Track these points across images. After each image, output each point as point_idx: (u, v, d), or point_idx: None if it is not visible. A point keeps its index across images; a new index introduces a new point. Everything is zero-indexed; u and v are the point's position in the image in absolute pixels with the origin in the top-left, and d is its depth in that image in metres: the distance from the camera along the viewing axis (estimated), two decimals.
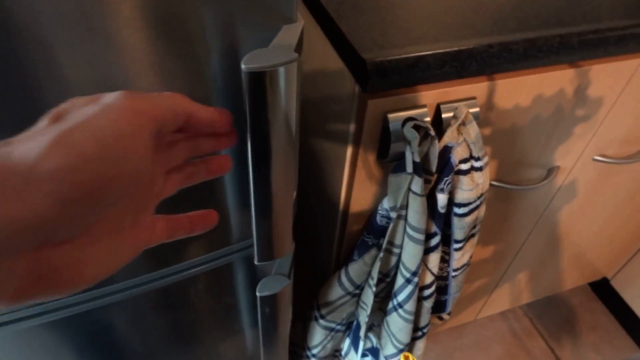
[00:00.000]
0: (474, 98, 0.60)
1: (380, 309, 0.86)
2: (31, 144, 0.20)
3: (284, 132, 0.38)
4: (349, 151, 0.62)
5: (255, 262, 0.48)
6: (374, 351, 0.91)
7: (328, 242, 0.80)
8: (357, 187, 0.66)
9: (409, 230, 0.66)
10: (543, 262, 1.11)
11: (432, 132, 0.57)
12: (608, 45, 0.61)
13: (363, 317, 0.81)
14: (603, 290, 1.43)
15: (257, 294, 0.53)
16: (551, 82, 0.63)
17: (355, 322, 0.87)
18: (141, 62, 0.36)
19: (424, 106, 0.58)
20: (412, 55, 0.53)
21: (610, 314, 1.41)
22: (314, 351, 0.91)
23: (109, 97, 0.24)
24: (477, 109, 0.59)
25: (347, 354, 0.94)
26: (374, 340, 0.89)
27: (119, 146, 0.22)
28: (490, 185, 0.76)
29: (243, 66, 0.32)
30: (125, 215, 0.25)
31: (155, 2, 0.33)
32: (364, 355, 0.91)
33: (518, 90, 0.62)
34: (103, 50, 0.34)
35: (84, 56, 0.34)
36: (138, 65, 0.36)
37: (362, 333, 0.83)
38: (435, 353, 1.30)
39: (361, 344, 0.84)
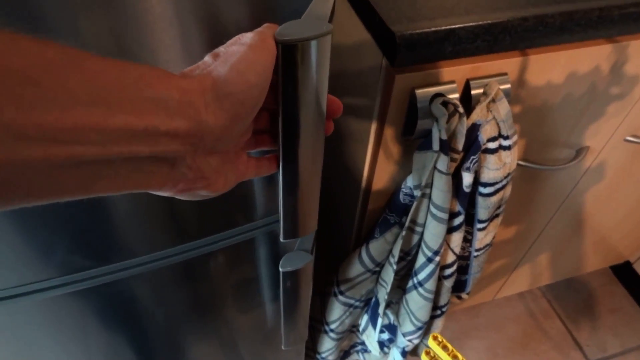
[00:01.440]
0: (505, 74, 0.58)
1: (399, 286, 0.86)
2: (219, 70, 0.26)
3: (315, 106, 0.37)
4: (374, 127, 0.61)
5: (281, 240, 0.48)
6: (392, 328, 0.91)
7: (349, 219, 0.80)
8: (380, 164, 0.65)
9: (432, 209, 0.65)
10: (565, 244, 1.09)
11: (461, 109, 0.56)
12: None
13: (382, 295, 0.81)
14: (625, 274, 1.40)
15: (280, 269, 0.53)
16: (587, 58, 0.60)
17: (373, 299, 0.87)
18: (168, 32, 0.35)
19: (452, 82, 0.57)
20: (443, 28, 0.51)
21: (631, 297, 1.39)
22: (332, 326, 0.92)
23: (248, 37, 0.29)
24: (508, 86, 0.57)
25: (364, 330, 0.94)
26: (392, 317, 0.90)
27: (265, 76, 0.28)
28: (517, 165, 0.75)
29: (277, 38, 0.31)
30: (235, 146, 0.32)
31: None
32: (381, 331, 0.91)
33: (551, 67, 0.60)
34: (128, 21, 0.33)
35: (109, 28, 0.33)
36: (167, 37, 0.35)
37: (381, 310, 0.83)
38: (451, 331, 1.31)
39: (380, 320, 0.84)
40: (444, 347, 0.31)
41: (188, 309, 0.67)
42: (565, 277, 1.30)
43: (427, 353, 0.34)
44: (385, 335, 0.93)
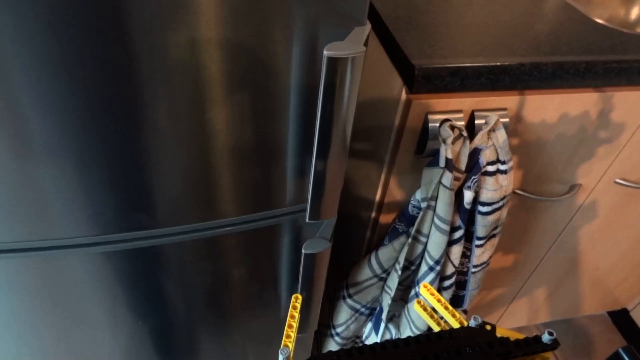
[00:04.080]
0: (504, 109, 0.69)
1: (402, 299, 0.94)
2: None
3: (347, 111, 0.49)
4: (391, 144, 0.72)
5: (307, 220, 0.59)
6: None
7: (362, 228, 0.90)
8: (394, 178, 0.76)
9: (436, 220, 0.75)
10: (562, 282, 1.17)
11: (465, 134, 0.67)
12: (631, 75, 0.69)
13: (386, 301, 0.90)
14: (622, 321, 1.45)
15: (303, 251, 0.64)
16: (577, 103, 0.71)
17: (378, 308, 0.96)
18: (227, 49, 0.47)
19: (459, 111, 0.68)
20: (454, 65, 0.63)
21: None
22: (338, 330, 1.00)
23: None
24: (507, 120, 0.68)
25: (367, 337, 1.02)
26: (394, 331, 0.98)
27: None
28: (514, 193, 0.84)
29: (325, 52, 0.43)
30: None
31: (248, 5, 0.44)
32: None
33: (545, 107, 0.71)
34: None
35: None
36: (224, 55, 0.47)
37: (384, 316, 0.91)
38: None
39: (382, 325, 0.93)
40: (438, 300, 0.40)
41: (208, 287, 0.75)
42: (562, 317, 1.36)
43: (418, 302, 0.43)
44: None
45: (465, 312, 0.98)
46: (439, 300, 0.41)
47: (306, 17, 0.46)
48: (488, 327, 0.38)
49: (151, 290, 0.70)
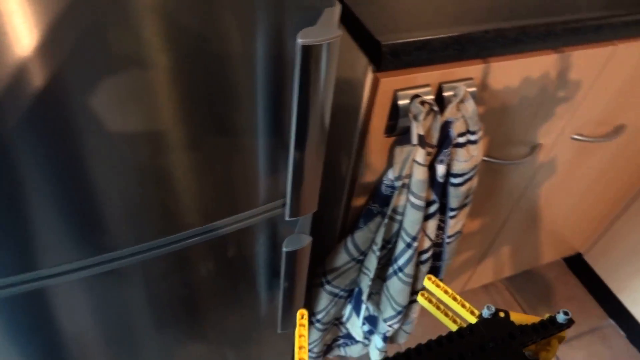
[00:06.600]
0: (471, 79, 0.68)
1: (379, 277, 0.94)
2: None
3: (325, 97, 0.45)
4: (360, 126, 0.69)
5: (286, 218, 0.55)
6: (372, 319, 0.99)
7: (335, 213, 0.87)
8: (364, 160, 0.74)
9: (411, 197, 0.73)
10: (524, 237, 1.21)
11: (436, 108, 0.65)
12: (586, 33, 0.70)
13: (365, 282, 0.89)
14: (577, 265, 1.54)
15: (284, 249, 0.60)
16: (537, 65, 0.71)
17: (356, 289, 0.95)
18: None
19: (427, 85, 0.66)
20: (421, 38, 0.60)
21: (583, 287, 1.53)
22: (319, 316, 0.98)
23: None
24: (474, 89, 0.67)
25: (348, 319, 1.01)
26: (371, 308, 0.97)
27: None
28: (482, 160, 0.85)
29: (299, 40, 0.39)
30: None
31: None
32: (362, 323, 0.99)
33: (509, 73, 0.70)
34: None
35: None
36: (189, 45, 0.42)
37: (364, 297, 0.91)
38: (424, 326, 1.39)
39: (363, 307, 0.92)
40: (445, 291, 0.39)
41: (185, 299, 0.71)
42: (524, 269, 1.42)
43: (422, 294, 0.42)
44: (366, 327, 1.01)
45: (441, 280, 0.99)
46: (445, 292, 0.40)
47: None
48: (502, 314, 0.37)
49: (122, 313, 0.65)
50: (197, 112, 0.46)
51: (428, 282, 0.40)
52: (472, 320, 0.38)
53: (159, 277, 0.63)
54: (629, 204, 1.29)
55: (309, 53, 0.40)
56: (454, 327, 0.39)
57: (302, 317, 0.35)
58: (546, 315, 0.36)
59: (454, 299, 0.39)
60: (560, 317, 0.35)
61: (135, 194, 0.50)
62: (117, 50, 0.38)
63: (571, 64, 0.74)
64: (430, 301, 0.42)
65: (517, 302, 1.48)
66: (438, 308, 0.41)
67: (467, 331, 0.34)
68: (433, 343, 0.32)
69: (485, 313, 0.36)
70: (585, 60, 0.74)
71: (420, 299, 0.42)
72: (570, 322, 0.36)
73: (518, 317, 0.37)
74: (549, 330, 0.35)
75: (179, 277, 0.66)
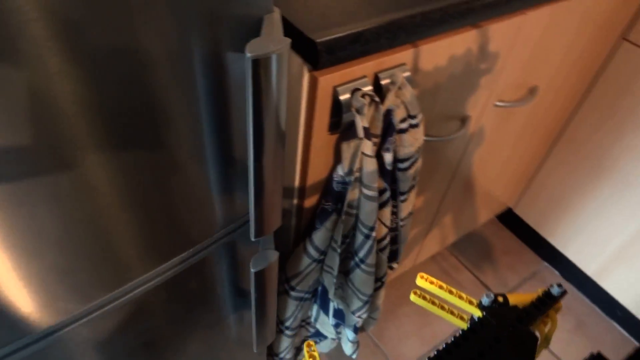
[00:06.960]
0: (404, 64, 0.68)
1: (340, 271, 0.93)
2: None
3: (280, 107, 0.43)
4: (302, 127, 0.67)
5: (252, 239, 0.52)
6: (339, 313, 0.98)
7: (286, 217, 0.85)
8: (310, 160, 0.72)
9: (364, 190, 0.73)
10: (463, 204, 1.27)
11: (377, 99, 0.64)
12: (501, 6, 0.73)
13: (330, 280, 0.88)
14: (509, 219, 1.65)
15: (252, 270, 0.57)
16: (461, 43, 0.73)
17: (320, 288, 0.94)
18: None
19: (364, 77, 0.65)
20: (354, 31, 0.59)
21: (517, 238, 1.64)
22: (287, 323, 0.96)
23: None
24: (409, 74, 0.68)
25: (316, 319, 1.00)
26: (336, 302, 0.97)
27: None
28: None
29: (248, 54, 0.36)
30: None
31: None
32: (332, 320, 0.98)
33: (437, 53, 0.71)
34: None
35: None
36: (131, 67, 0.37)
37: (331, 295, 0.89)
38: (384, 305, 1.42)
39: (332, 304, 0.91)
40: (440, 287, 0.39)
41: (147, 345, 0.66)
42: (465, 233, 1.49)
43: (415, 293, 0.41)
44: (333, 321, 1.00)
45: (398, 263, 1.01)
46: (440, 287, 0.39)
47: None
48: (500, 299, 0.37)
49: None
50: (122, 142, 0.41)
51: (421, 281, 0.40)
52: (472, 309, 0.38)
53: (111, 334, 0.57)
54: (546, 156, 1.40)
55: (259, 65, 0.37)
56: (453, 319, 0.39)
57: (310, 348, 0.33)
58: (540, 290, 0.37)
59: (450, 292, 0.39)
60: (555, 290, 0.37)
61: (67, 253, 0.44)
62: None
63: (489, 37, 0.77)
64: (424, 298, 0.41)
65: (463, 264, 1.56)
66: (434, 303, 0.41)
67: (478, 325, 0.33)
68: (451, 346, 0.32)
69: (485, 301, 0.37)
70: (501, 32, 0.78)
71: (414, 297, 0.41)
72: (564, 292, 0.37)
73: (514, 298, 0.38)
74: (548, 304, 0.36)
75: (136, 326, 0.60)
